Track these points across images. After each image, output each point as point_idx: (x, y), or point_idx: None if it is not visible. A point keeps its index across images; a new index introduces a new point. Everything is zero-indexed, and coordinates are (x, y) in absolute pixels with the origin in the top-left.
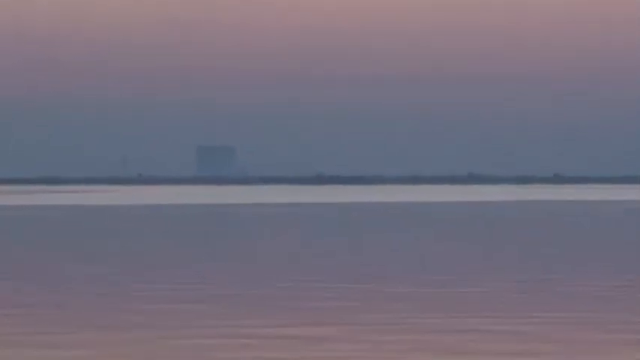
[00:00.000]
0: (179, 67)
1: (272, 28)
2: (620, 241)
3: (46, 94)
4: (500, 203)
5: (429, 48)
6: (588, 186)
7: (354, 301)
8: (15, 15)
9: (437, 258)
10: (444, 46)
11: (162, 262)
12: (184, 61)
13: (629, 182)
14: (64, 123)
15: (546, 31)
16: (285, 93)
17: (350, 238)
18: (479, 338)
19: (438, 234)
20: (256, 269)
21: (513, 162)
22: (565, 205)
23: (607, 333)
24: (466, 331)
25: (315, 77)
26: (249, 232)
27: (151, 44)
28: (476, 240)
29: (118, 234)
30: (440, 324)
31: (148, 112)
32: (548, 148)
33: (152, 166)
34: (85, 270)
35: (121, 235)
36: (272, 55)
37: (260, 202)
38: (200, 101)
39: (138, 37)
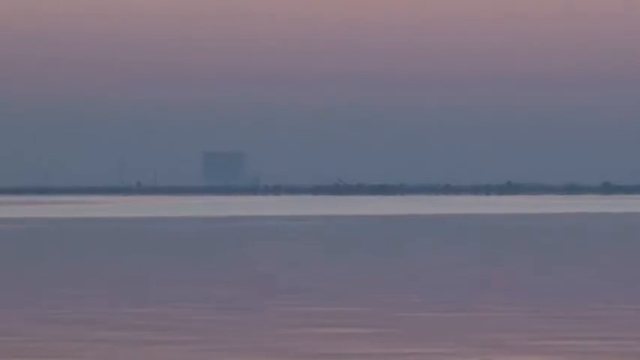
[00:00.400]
0: (181, 63)
1: (289, 20)
2: None
3: (31, 94)
4: (541, 216)
5: (464, 43)
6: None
7: (363, 328)
8: (4, 11)
9: (456, 277)
10: (478, 40)
11: (152, 283)
12: (187, 57)
13: None
14: (51, 126)
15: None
16: (301, 93)
17: (372, 255)
18: None
19: (465, 250)
20: (255, 294)
21: (559, 169)
22: (613, 218)
23: None
24: None
25: (335, 76)
26: (259, 249)
27: (150, 39)
28: (504, 257)
29: (109, 251)
30: (451, 354)
31: (148, 114)
32: (595, 154)
33: (152, 174)
34: (57, 293)
35: (114, 252)
36: (286, 51)
37: (273, 215)
38: (205, 102)
39: (136, 32)
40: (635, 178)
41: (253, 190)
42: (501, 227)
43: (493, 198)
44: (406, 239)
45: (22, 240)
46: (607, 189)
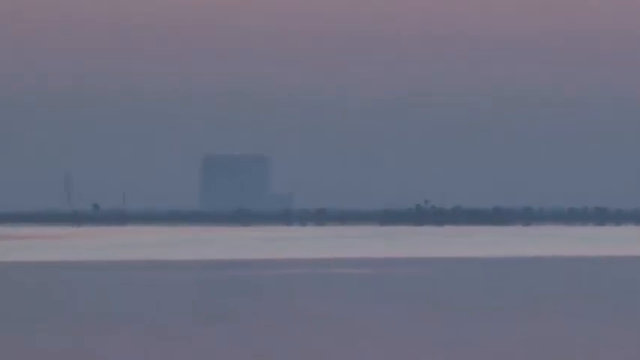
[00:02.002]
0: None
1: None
2: None
3: None
4: None
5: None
6: None
7: None
8: None
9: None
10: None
11: None
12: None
13: None
14: None
15: None
16: (352, 75)
17: (504, 332)
18: None
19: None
20: None
21: None
22: None
23: None
24: None
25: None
26: (289, 319)
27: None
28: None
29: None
30: None
31: (107, 102)
32: None
33: (118, 193)
34: None
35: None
36: (327, 20)
37: (309, 258)
38: (208, 85)
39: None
40: None
41: (283, 217)
42: None
43: None
44: (544, 300)
45: None
46: None
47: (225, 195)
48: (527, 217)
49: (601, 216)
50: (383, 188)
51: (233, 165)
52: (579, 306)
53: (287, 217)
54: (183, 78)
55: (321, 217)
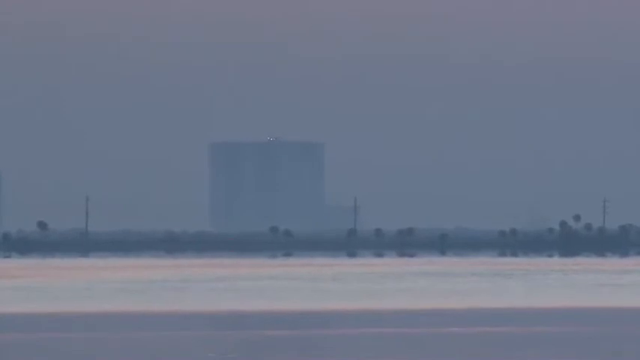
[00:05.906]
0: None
1: None
2: None
3: None
4: None
5: None
6: None
7: None
8: None
9: None
10: None
11: None
12: None
13: None
14: None
15: None
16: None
17: None
18: None
19: None
20: None
21: None
22: None
23: None
24: None
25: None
26: None
27: None
28: None
29: None
30: None
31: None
32: None
33: (79, 204)
34: None
35: None
36: None
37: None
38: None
39: None
40: None
41: (344, 241)
42: None
43: None
44: None
45: None
46: None
47: (247, 202)
48: None
49: None
50: (498, 196)
51: (260, 153)
52: None
53: (349, 240)
54: None
55: (407, 240)
